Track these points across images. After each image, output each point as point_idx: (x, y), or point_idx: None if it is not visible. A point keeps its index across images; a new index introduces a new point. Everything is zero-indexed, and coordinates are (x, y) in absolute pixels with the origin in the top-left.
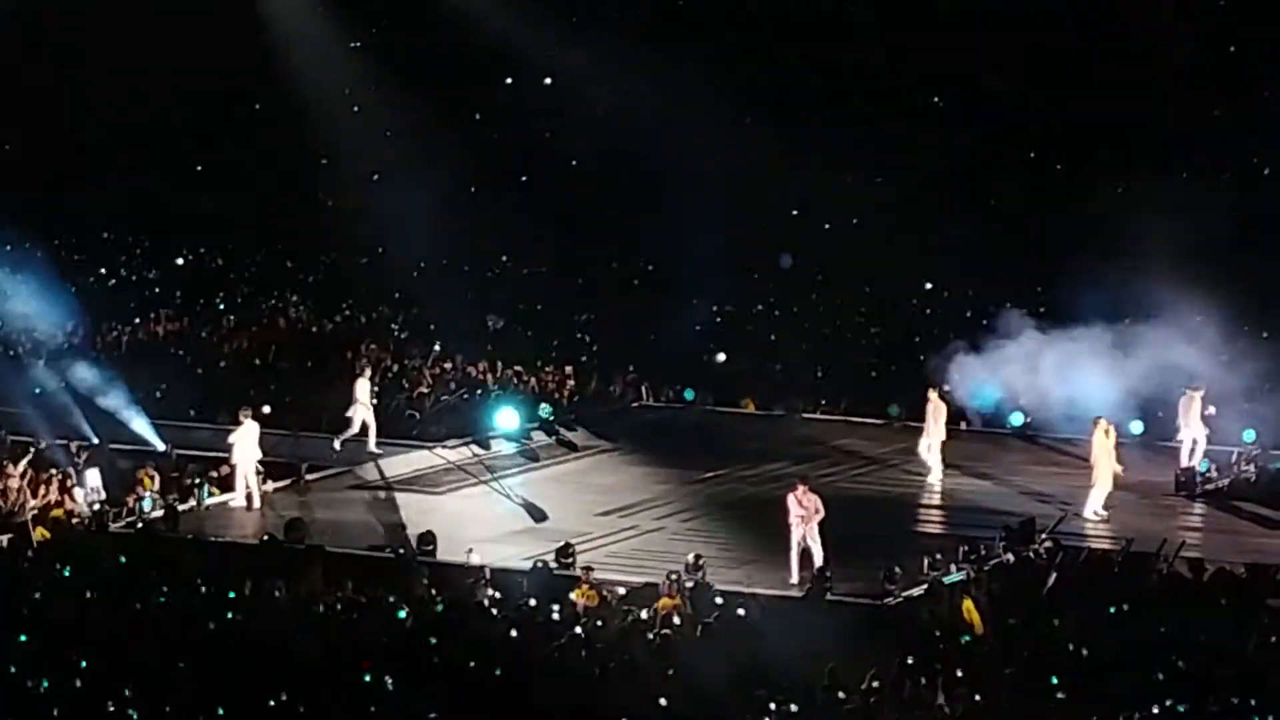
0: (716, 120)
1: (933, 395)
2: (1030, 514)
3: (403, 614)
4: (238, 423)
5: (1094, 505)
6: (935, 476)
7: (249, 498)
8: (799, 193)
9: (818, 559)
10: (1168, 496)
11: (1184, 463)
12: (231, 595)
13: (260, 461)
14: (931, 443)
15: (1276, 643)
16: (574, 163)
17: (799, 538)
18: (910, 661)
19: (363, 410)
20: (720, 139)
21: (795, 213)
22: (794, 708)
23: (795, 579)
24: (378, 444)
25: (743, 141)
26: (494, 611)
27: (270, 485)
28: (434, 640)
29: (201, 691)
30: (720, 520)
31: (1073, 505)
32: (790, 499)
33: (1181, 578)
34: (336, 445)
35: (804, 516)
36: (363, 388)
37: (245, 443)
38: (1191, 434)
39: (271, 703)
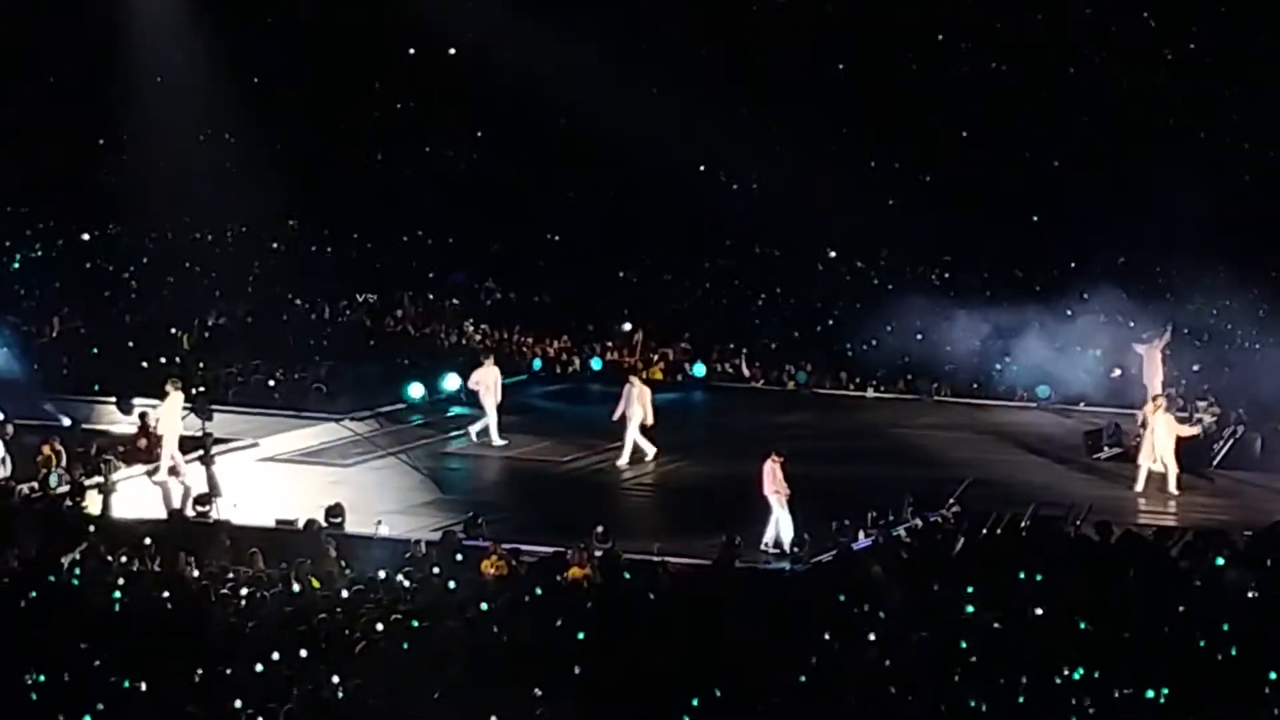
0: (632, 85)
1: (635, 380)
2: (939, 479)
3: (297, 588)
4: (164, 395)
5: (1171, 486)
6: (623, 460)
7: (173, 470)
8: (710, 158)
9: (781, 530)
10: (1076, 459)
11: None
12: (138, 570)
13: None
14: (632, 425)
15: (1184, 606)
16: (478, 134)
17: (780, 505)
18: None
19: (490, 398)
20: (633, 105)
21: (702, 168)
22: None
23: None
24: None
25: (654, 107)
26: (405, 584)
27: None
28: (340, 612)
29: (108, 667)
30: (629, 490)
31: (978, 472)
32: (767, 468)
33: (1089, 541)
34: (473, 435)
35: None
36: (485, 374)
37: (170, 415)
38: (1151, 387)
39: (190, 678)
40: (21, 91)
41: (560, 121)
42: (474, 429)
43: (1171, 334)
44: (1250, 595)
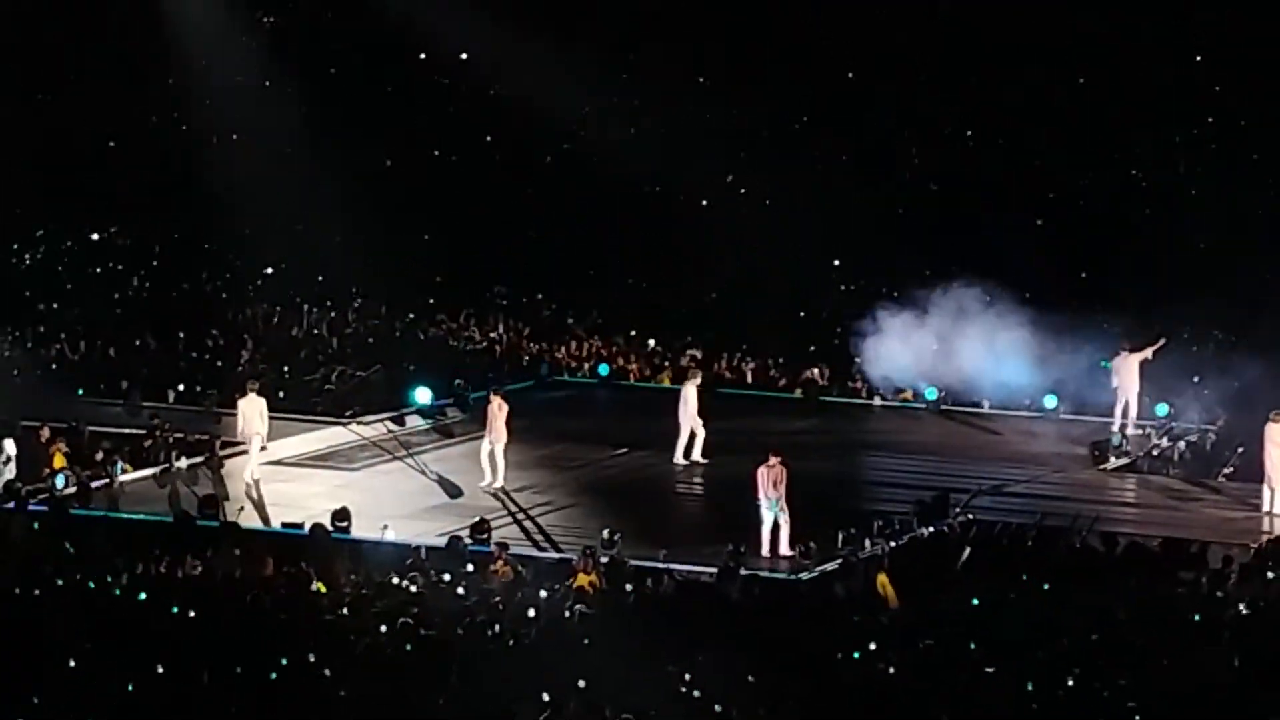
0: (615, 96)
1: (494, 398)
2: (945, 488)
3: (317, 589)
4: (244, 395)
5: (1278, 504)
6: (499, 484)
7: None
8: (697, 165)
9: (784, 533)
10: (1082, 470)
11: (1117, 422)
12: (142, 572)
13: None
14: (494, 448)
15: (1189, 617)
16: (488, 138)
17: (771, 513)
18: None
19: (690, 419)
20: (619, 116)
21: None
22: (697, 693)
23: (765, 553)
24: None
25: (635, 111)
26: (411, 589)
27: (184, 461)
28: (348, 615)
29: (113, 671)
30: (634, 496)
31: (990, 480)
32: (760, 472)
33: (1095, 551)
34: (679, 460)
35: (771, 490)
36: (691, 394)
37: (250, 415)
38: (1125, 394)
39: (197, 680)
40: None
41: (568, 130)
42: (677, 454)
43: (1160, 347)
44: (1251, 609)
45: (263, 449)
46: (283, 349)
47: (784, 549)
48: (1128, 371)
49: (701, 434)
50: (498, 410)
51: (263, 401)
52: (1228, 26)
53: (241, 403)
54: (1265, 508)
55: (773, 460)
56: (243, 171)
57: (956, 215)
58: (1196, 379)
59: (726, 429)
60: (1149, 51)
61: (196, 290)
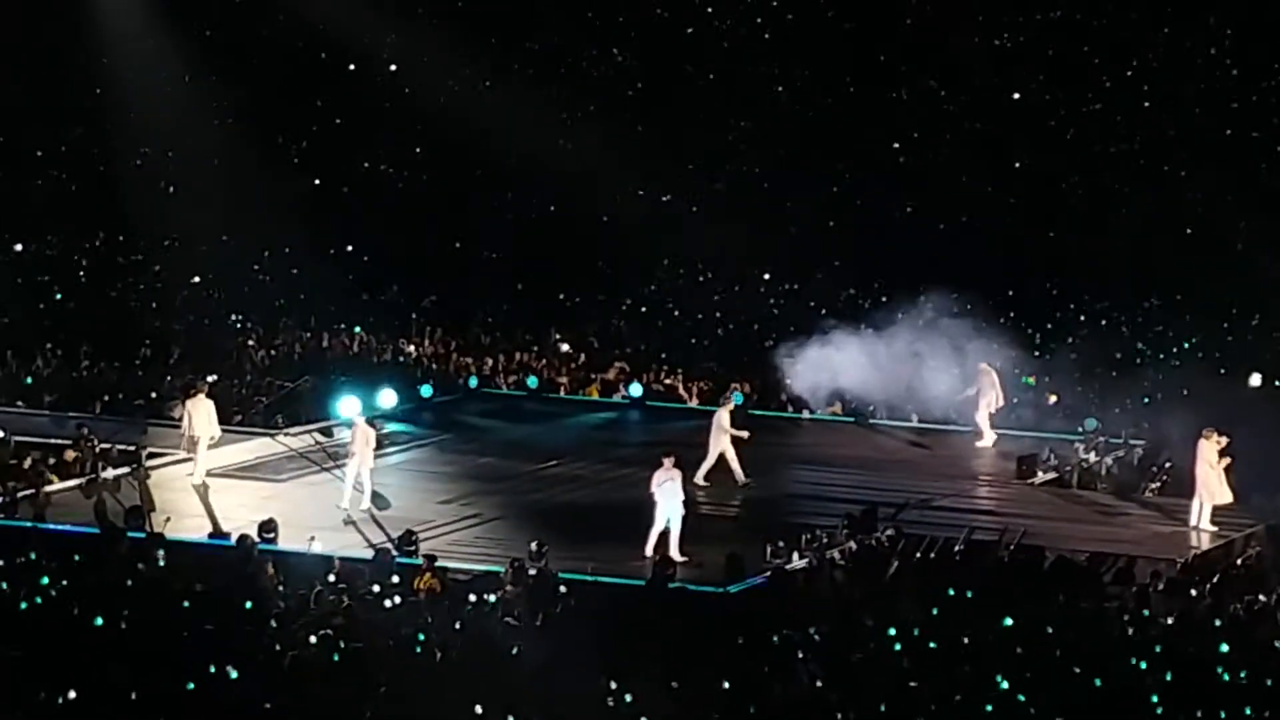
0: (546, 111)
1: (360, 421)
2: (873, 502)
3: (249, 605)
4: (193, 396)
5: (1205, 519)
6: (366, 504)
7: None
8: (633, 182)
9: (673, 541)
10: (1009, 484)
11: (987, 434)
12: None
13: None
14: (360, 470)
15: (1116, 631)
16: (416, 150)
17: (661, 514)
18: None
19: (722, 442)
20: (550, 131)
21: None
22: (629, 697)
23: (649, 553)
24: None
25: (574, 133)
26: (338, 601)
27: (110, 472)
28: (275, 626)
29: (39, 682)
30: (562, 508)
31: (918, 494)
32: (657, 474)
33: (1022, 565)
34: (700, 481)
35: (665, 489)
36: (724, 418)
37: (200, 416)
38: (990, 406)
39: (116, 694)
40: None
41: (498, 143)
42: (699, 474)
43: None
44: (1178, 623)
45: (210, 446)
46: (211, 360)
47: (674, 552)
48: (990, 384)
49: (734, 456)
50: (364, 440)
51: (211, 404)
52: (1151, 42)
53: (189, 404)
54: (1193, 522)
55: (666, 463)
56: (168, 183)
57: (888, 231)
58: (1145, 400)
59: (660, 442)
60: (1075, 65)
61: (123, 301)
